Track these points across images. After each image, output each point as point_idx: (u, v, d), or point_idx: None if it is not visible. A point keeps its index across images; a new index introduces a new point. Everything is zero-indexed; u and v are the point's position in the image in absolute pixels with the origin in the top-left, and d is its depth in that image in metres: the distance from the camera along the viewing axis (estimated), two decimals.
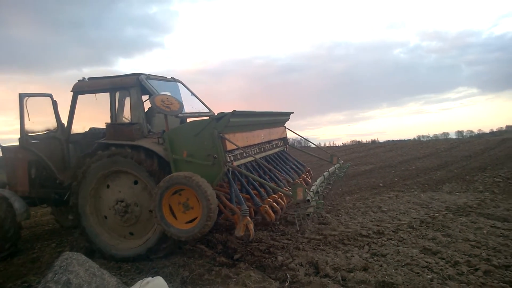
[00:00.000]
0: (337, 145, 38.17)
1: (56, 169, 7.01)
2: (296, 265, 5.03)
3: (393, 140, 34.71)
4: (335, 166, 8.78)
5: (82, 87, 6.72)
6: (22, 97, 6.89)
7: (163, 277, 3.94)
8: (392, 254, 5.26)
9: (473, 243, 5.56)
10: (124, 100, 7.41)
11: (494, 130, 50.62)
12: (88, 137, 6.99)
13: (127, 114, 7.36)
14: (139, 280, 3.89)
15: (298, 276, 4.74)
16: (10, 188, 7.35)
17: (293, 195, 5.31)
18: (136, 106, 6.38)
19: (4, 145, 7.70)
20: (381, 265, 4.89)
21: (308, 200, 5.56)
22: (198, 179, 5.10)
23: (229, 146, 5.55)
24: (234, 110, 5.43)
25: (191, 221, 5.23)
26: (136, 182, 6.01)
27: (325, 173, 8.01)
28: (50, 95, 7.33)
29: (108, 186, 6.17)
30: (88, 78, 6.86)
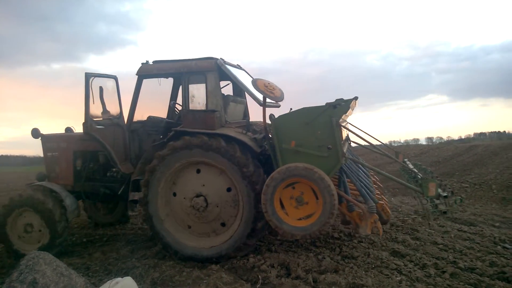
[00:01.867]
0: None
1: (118, 160, 6.29)
2: (267, 267, 5.02)
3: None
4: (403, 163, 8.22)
5: (150, 70, 6.14)
6: (88, 76, 6.09)
7: (132, 278, 3.86)
8: (362, 257, 5.32)
9: (440, 246, 5.71)
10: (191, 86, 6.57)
11: (463, 137, 52.27)
12: (147, 126, 6.46)
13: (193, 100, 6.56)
14: (108, 280, 3.79)
15: (269, 278, 4.72)
16: (49, 181, 6.72)
17: (424, 191, 4.92)
18: (214, 92, 5.77)
19: (45, 133, 6.96)
20: (351, 267, 4.93)
21: (446, 196, 5.06)
22: (320, 172, 4.74)
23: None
24: (356, 96, 5.12)
25: (303, 218, 4.91)
26: (199, 173, 5.62)
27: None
28: (115, 77, 6.67)
29: (183, 179, 5.70)
30: (153, 61, 6.28)
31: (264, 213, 4.98)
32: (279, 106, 6.52)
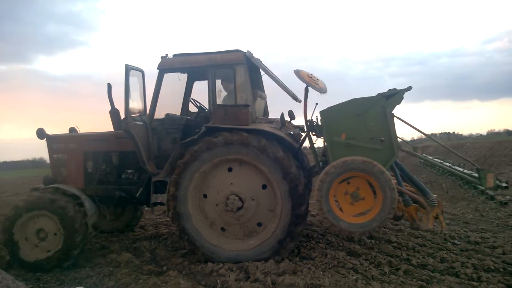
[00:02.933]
0: None
1: (146, 159, 5.85)
2: (226, 271, 4.96)
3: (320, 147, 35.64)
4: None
5: (172, 64, 5.90)
6: (128, 68, 5.60)
7: None
8: (320, 257, 5.38)
9: (394, 244, 5.89)
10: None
11: (415, 139, 54.23)
12: (166, 124, 6.10)
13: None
14: None
15: (228, 282, 4.67)
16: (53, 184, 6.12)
17: (482, 182, 4.81)
18: (244, 86, 5.55)
19: (50, 134, 6.46)
20: (309, 268, 4.97)
21: (506, 186, 5.05)
22: (379, 165, 4.54)
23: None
24: (409, 86, 4.86)
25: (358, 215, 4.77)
26: (231, 172, 5.42)
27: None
28: (142, 71, 6.12)
29: (215, 178, 5.44)
30: (174, 55, 6.01)
31: (318, 210, 4.82)
32: (299, 101, 6.06)
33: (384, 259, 5.24)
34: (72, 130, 6.78)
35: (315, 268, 4.97)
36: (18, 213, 5.54)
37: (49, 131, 6.45)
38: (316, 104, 5.23)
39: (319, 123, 5.22)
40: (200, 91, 6.72)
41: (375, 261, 5.18)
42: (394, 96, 4.84)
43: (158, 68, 5.83)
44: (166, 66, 5.87)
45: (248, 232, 5.48)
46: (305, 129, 5.52)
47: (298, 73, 5.16)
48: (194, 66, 5.90)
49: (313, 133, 5.46)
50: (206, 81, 5.76)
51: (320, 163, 5.48)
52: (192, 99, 6.53)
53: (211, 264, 5.21)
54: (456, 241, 5.94)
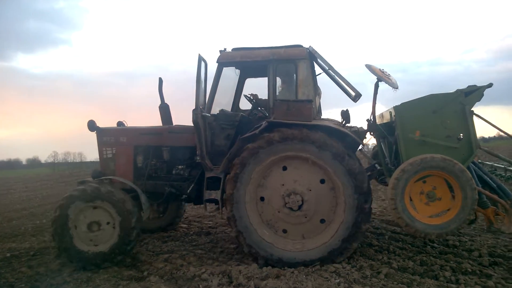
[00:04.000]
0: None
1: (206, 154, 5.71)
2: (209, 276, 4.91)
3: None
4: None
5: (233, 57, 5.83)
6: (200, 58, 5.62)
7: None
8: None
9: (376, 247, 5.94)
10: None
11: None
12: (220, 120, 5.93)
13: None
14: None
15: (211, 287, 4.62)
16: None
17: None
18: (306, 82, 5.50)
19: (101, 126, 6.40)
20: (292, 272, 4.96)
21: None
22: (460, 164, 4.36)
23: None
24: (490, 83, 4.72)
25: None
26: (286, 170, 5.31)
27: None
28: (206, 62, 5.92)
29: (271, 178, 5.33)
30: (233, 49, 5.94)
31: (392, 210, 4.65)
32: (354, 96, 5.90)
33: (366, 262, 5.27)
34: (120, 124, 6.70)
35: (298, 272, 4.96)
36: (72, 201, 5.39)
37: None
38: (489, 84, 4.92)
39: (376, 122, 5.26)
40: (250, 89, 6.74)
41: (357, 264, 5.20)
42: (474, 93, 4.73)
43: (217, 62, 5.75)
44: (226, 59, 5.81)
45: (310, 232, 5.36)
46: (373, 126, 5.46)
47: (370, 67, 5.12)
48: (257, 60, 5.75)
49: (371, 132, 5.49)
50: (257, 79, 5.89)
51: (376, 165, 5.52)
52: (248, 95, 6.35)
53: (193, 268, 5.16)
54: (435, 245, 6.03)
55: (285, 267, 5.14)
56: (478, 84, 4.89)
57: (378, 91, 5.31)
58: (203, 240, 6.78)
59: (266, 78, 5.64)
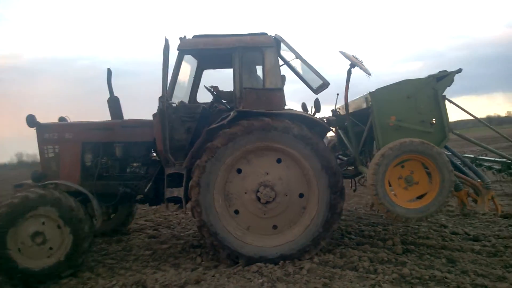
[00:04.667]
0: None
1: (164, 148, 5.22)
2: (120, 287, 4.45)
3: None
4: None
5: (195, 45, 5.55)
6: (168, 43, 5.16)
7: None
8: (226, 264, 5.13)
9: None
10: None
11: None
12: (180, 112, 5.47)
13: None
14: None
15: None
16: (45, 181, 5.32)
17: None
18: (274, 70, 5.31)
19: (41, 122, 5.71)
20: (213, 276, 4.71)
21: None
22: (437, 147, 4.46)
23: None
24: (460, 68, 4.79)
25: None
26: (279, 161, 5.15)
27: None
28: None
29: (240, 170, 5.14)
30: (193, 36, 5.60)
31: (373, 196, 4.60)
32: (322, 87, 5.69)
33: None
34: (62, 119, 5.99)
35: (219, 275, 4.72)
36: (13, 212, 4.72)
37: None
38: (337, 94, 5.54)
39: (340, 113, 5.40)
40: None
41: (278, 262, 5.08)
42: (444, 78, 4.84)
43: (178, 49, 5.45)
44: (188, 47, 5.53)
45: (275, 228, 5.25)
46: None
47: (344, 53, 5.14)
48: (221, 48, 5.49)
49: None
50: (214, 70, 5.88)
51: (340, 157, 6.01)
52: (209, 87, 5.94)
53: (103, 280, 4.68)
54: (352, 236, 6.18)
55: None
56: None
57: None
58: (114, 248, 6.21)
59: (223, 70, 5.62)
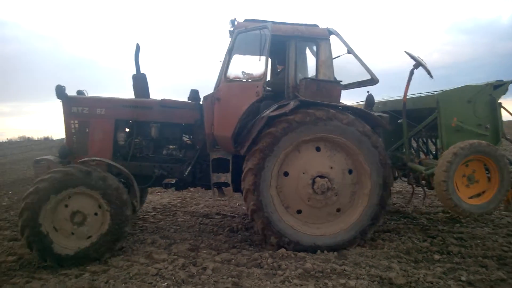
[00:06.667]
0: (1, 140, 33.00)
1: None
2: None
3: None
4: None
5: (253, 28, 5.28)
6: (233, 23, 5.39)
7: None
8: (116, 268, 4.55)
9: (191, 241, 5.61)
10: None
11: None
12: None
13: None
14: None
15: None
16: (74, 159, 5.10)
17: None
18: (328, 61, 5.44)
19: (70, 95, 5.46)
20: (107, 282, 4.13)
21: None
22: (500, 150, 4.85)
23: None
24: None
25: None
26: (332, 152, 5.29)
27: None
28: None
29: (300, 158, 5.19)
30: (245, 20, 5.50)
31: (443, 191, 4.81)
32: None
33: (186, 259, 4.87)
34: (80, 93, 5.65)
35: (114, 281, 4.16)
36: (44, 196, 4.46)
37: None
38: (368, 92, 5.63)
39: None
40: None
41: (178, 263, 4.70)
42: (501, 87, 5.19)
43: (234, 30, 5.36)
44: (243, 29, 5.30)
45: (327, 217, 5.34)
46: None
47: (410, 53, 5.36)
48: (277, 35, 5.28)
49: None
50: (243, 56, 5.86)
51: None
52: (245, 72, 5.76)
53: None
54: (245, 233, 6.14)
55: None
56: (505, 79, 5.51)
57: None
58: None
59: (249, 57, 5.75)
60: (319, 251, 5.13)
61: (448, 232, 5.99)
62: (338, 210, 5.37)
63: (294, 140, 5.01)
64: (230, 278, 4.28)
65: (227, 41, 5.50)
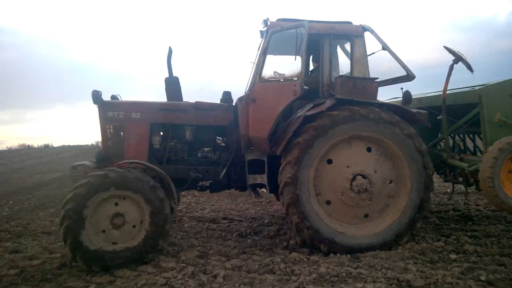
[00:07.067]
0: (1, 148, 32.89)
1: None
2: None
3: (70, 145, 32.05)
4: None
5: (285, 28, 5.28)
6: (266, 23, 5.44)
7: None
8: (123, 278, 4.41)
9: (199, 248, 5.45)
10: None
11: None
12: None
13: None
14: None
15: None
16: (108, 163, 5.21)
17: None
18: (363, 59, 5.39)
19: (106, 100, 5.59)
20: None
21: None
22: None
23: None
24: None
25: None
26: (369, 150, 5.16)
27: None
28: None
29: (340, 156, 5.09)
30: (278, 19, 5.45)
31: (489, 188, 4.70)
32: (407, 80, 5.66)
33: (196, 267, 4.71)
34: (114, 97, 5.74)
35: None
36: (91, 192, 4.51)
37: None
38: (402, 88, 5.49)
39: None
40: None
41: (187, 272, 4.54)
42: None
43: (268, 29, 5.31)
44: (279, 30, 5.26)
45: (363, 216, 5.25)
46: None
47: (449, 48, 5.28)
48: (312, 33, 5.20)
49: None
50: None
51: None
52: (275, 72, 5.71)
53: None
54: (255, 237, 6.00)
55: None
56: None
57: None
58: None
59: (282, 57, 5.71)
60: (331, 254, 5.00)
61: (461, 230, 5.90)
62: (366, 215, 5.28)
63: (334, 135, 4.93)
64: (242, 286, 4.14)
65: (254, 42, 5.70)
